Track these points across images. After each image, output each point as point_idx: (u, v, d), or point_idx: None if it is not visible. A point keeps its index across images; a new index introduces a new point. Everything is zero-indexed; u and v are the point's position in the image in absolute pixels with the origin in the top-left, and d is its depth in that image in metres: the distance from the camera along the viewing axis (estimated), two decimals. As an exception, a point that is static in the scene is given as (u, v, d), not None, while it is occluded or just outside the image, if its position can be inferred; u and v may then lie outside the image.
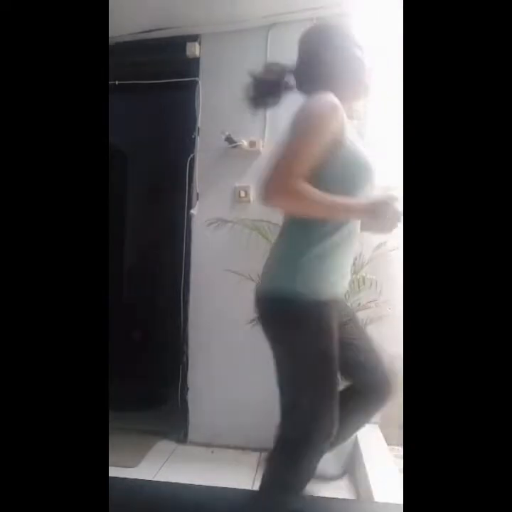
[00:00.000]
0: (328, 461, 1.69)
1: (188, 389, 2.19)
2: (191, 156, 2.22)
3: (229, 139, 2.08)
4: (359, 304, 1.77)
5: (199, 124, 2.21)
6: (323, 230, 1.04)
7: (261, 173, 0.99)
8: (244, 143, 2.09)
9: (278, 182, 0.95)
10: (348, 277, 1.14)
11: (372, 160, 1.07)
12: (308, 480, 1.12)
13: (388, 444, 1.78)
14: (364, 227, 1.14)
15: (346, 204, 1.01)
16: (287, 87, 1.19)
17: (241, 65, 2.18)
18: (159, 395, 2.61)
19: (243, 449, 2.08)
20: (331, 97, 1.00)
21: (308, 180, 0.96)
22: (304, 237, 1.06)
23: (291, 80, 1.20)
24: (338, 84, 1.09)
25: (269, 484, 1.11)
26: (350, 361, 1.13)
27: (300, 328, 1.03)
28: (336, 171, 1.02)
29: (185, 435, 2.17)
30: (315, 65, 1.14)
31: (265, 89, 1.20)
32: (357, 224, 1.10)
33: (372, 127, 1.92)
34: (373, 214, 0.98)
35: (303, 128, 1.00)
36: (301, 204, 0.98)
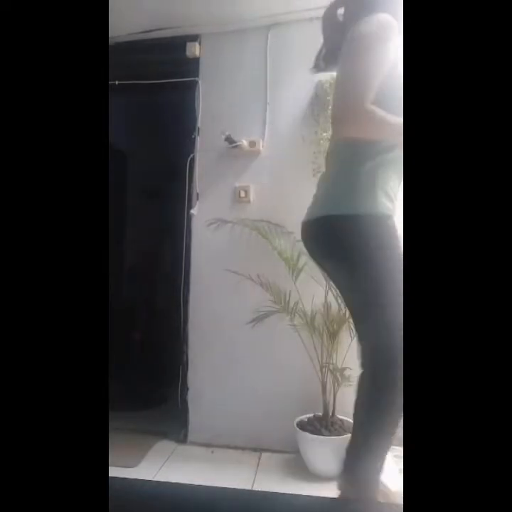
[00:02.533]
0: (329, 461, 1.70)
1: (188, 389, 2.19)
2: (191, 156, 2.22)
3: (229, 139, 2.08)
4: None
5: (199, 124, 2.22)
6: (380, 146, 1.06)
7: (333, 100, 1.01)
8: (244, 143, 2.09)
9: (351, 106, 0.97)
10: (397, 198, 1.14)
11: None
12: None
13: (388, 444, 1.78)
14: None
15: None
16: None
17: (241, 65, 2.19)
18: (159, 395, 2.61)
19: (243, 449, 2.08)
20: (387, 16, 1.01)
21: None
22: (359, 154, 1.08)
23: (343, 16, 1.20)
24: (390, 6, 1.06)
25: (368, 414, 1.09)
26: None
27: (363, 244, 1.05)
28: (391, 95, 1.01)
29: (185, 435, 2.17)
30: None
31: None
32: None
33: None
34: None
35: (367, 47, 1.01)
36: (374, 126, 1.00)
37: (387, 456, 1.12)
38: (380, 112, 0.98)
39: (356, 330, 1.15)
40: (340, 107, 1.00)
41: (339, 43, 1.14)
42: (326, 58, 1.27)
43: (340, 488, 1.14)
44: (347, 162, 1.11)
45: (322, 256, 1.19)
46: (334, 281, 1.26)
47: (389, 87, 1.01)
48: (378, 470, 1.10)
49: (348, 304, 1.24)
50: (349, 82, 1.00)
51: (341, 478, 1.14)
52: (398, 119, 0.98)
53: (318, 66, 1.30)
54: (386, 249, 1.05)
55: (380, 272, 1.05)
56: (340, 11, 1.21)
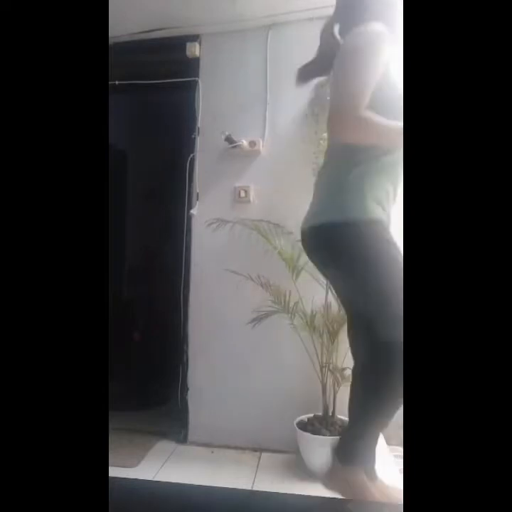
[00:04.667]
0: (329, 461, 1.70)
1: (188, 389, 2.19)
2: (191, 156, 2.23)
3: (229, 139, 2.08)
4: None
5: (199, 124, 2.22)
6: (372, 152, 1.08)
7: (329, 108, 1.04)
8: (244, 143, 2.09)
9: (346, 112, 0.99)
10: (393, 202, 1.15)
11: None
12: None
13: (388, 444, 1.78)
14: None
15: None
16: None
17: (241, 65, 2.20)
18: (159, 395, 2.61)
19: (243, 449, 2.08)
20: (379, 26, 1.03)
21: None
22: (349, 160, 1.09)
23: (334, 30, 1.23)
24: (382, 18, 1.08)
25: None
26: None
27: (357, 249, 1.07)
28: (385, 101, 1.04)
29: (185, 435, 2.17)
30: (358, 3, 1.15)
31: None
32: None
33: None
34: None
35: (357, 57, 1.03)
36: (371, 131, 1.02)
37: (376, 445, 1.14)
38: (375, 117, 1.00)
39: (353, 327, 1.16)
40: (336, 114, 1.02)
41: (333, 56, 1.15)
42: (311, 68, 1.30)
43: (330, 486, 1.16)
44: (338, 170, 1.12)
45: (321, 263, 1.22)
46: (334, 286, 1.27)
47: (382, 93, 1.03)
48: (371, 461, 1.12)
49: (346, 307, 1.25)
50: (343, 90, 1.02)
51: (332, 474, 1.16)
52: (392, 123, 1.00)
53: (302, 77, 1.34)
54: (379, 253, 1.06)
55: (376, 273, 1.06)
56: (337, 27, 1.23)
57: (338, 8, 1.22)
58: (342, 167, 1.11)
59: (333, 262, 1.14)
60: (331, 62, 1.18)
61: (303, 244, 1.21)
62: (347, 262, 1.09)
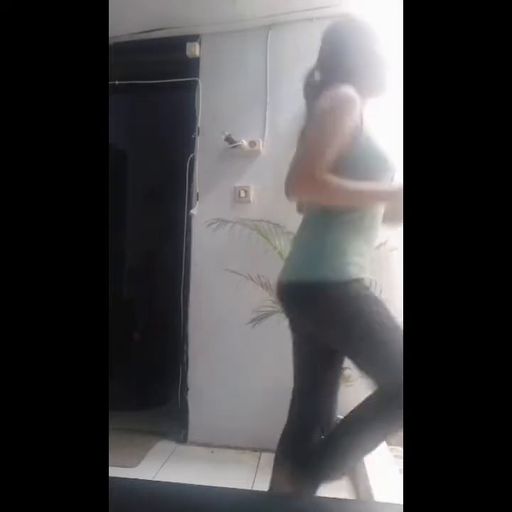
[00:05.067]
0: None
1: (188, 389, 2.19)
2: (191, 156, 2.23)
3: (229, 139, 2.08)
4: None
5: (199, 124, 2.22)
6: (347, 217, 1.07)
7: (288, 169, 1.03)
8: (244, 143, 2.09)
9: (303, 175, 0.99)
10: (370, 262, 1.14)
11: (391, 154, 1.09)
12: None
13: (388, 444, 1.78)
14: (385, 219, 1.16)
15: (372, 189, 1.05)
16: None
17: (241, 65, 2.20)
18: (159, 395, 2.61)
19: (243, 449, 2.08)
20: (348, 90, 1.02)
21: (332, 171, 0.99)
22: (326, 224, 1.09)
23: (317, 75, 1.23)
24: (357, 79, 1.09)
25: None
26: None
27: (332, 308, 1.05)
28: (355, 163, 1.04)
29: (185, 435, 2.17)
30: (336, 60, 1.15)
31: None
32: (380, 209, 1.13)
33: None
34: (397, 198, 0.98)
35: (322, 120, 1.03)
36: (327, 194, 1.02)
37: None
38: (336, 180, 0.99)
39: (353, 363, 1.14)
40: (293, 175, 1.01)
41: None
42: None
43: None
44: (315, 232, 1.11)
45: (297, 318, 1.23)
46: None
47: (351, 155, 1.03)
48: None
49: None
50: (304, 152, 1.02)
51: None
52: (359, 186, 1.02)
53: None
54: (359, 308, 1.04)
55: (357, 328, 1.03)
56: (318, 75, 1.22)
57: (319, 59, 1.22)
58: (319, 230, 1.10)
59: (311, 317, 1.12)
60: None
61: (278, 296, 1.18)
62: (325, 317, 1.07)
